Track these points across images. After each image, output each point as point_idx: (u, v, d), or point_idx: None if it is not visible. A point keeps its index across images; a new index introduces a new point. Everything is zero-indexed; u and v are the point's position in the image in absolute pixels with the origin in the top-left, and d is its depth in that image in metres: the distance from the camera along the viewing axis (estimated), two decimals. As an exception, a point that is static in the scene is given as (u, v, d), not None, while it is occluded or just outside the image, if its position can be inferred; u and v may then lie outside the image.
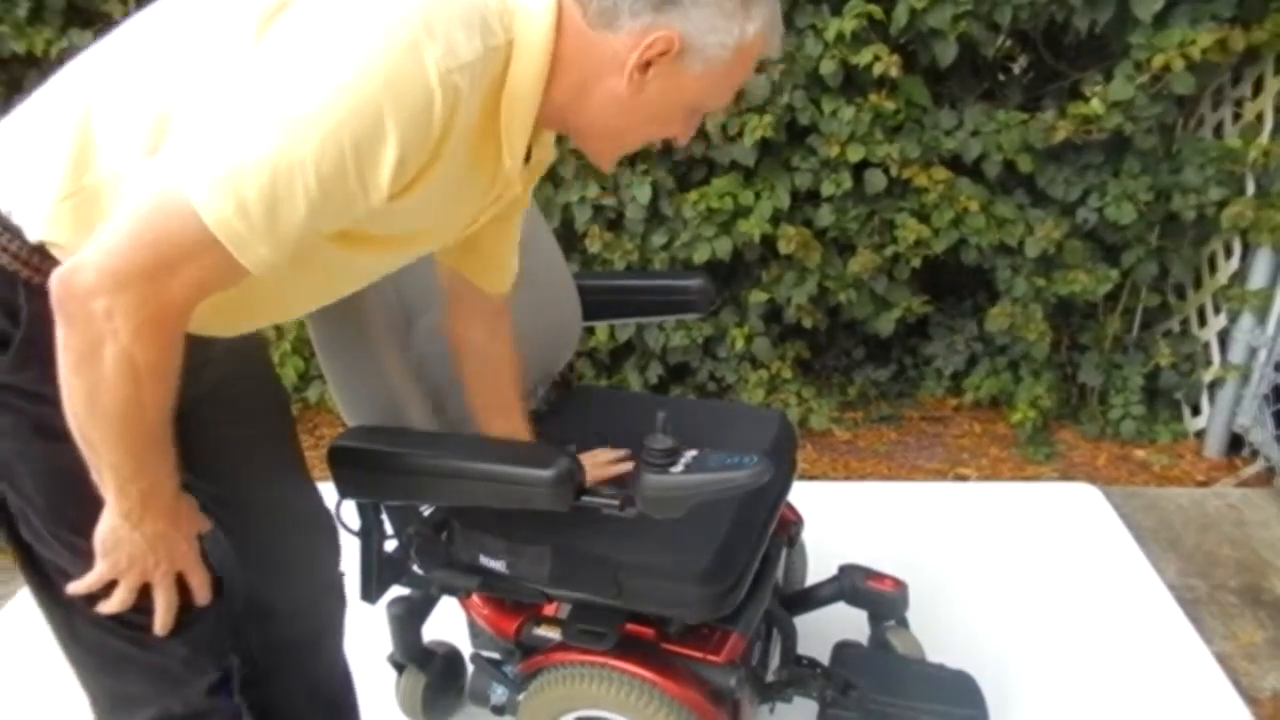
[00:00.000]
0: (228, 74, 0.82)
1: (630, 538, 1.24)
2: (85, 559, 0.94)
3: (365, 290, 1.13)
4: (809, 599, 1.68)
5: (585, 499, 1.14)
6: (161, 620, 0.98)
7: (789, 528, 1.62)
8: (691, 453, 1.09)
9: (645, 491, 1.08)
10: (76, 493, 0.90)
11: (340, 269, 1.00)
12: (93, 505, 0.90)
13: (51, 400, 0.83)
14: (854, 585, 1.64)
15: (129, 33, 0.92)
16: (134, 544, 0.92)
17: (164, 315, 0.80)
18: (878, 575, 1.65)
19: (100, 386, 0.80)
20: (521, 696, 1.42)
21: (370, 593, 1.38)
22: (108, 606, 0.96)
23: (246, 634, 1.26)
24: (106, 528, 0.92)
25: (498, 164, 0.96)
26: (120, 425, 0.83)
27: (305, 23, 0.82)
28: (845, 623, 1.67)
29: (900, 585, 1.65)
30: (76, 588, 0.95)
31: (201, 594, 1.01)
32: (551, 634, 1.38)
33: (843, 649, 1.57)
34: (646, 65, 0.91)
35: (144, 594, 0.97)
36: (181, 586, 0.99)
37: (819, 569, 1.76)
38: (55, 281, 0.79)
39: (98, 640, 1.02)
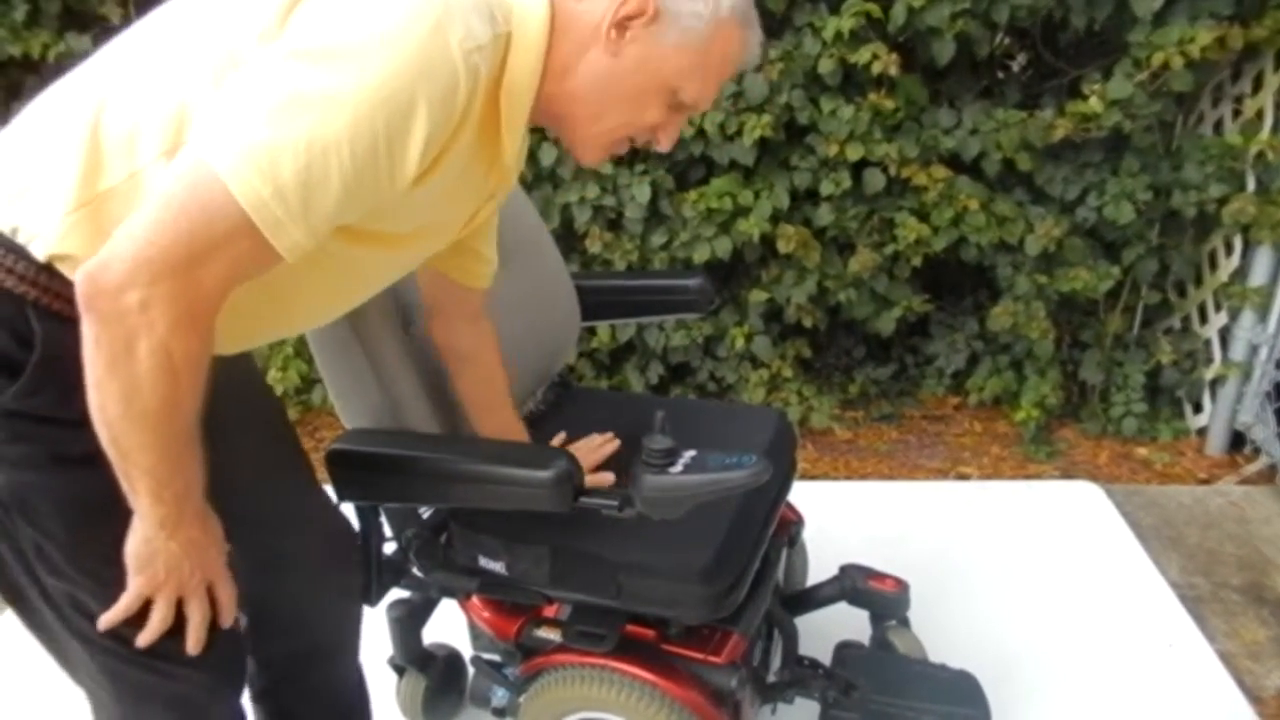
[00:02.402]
0: (251, 62, 0.81)
1: (629, 538, 1.23)
2: (112, 587, 0.90)
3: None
4: (810, 599, 1.68)
5: (584, 500, 1.13)
6: (195, 637, 0.94)
7: (789, 527, 1.62)
8: (690, 453, 1.08)
9: (644, 492, 1.07)
10: (102, 519, 0.87)
11: (347, 269, 0.98)
12: (119, 530, 0.88)
13: (68, 423, 0.80)
14: (855, 585, 1.64)
15: (135, 37, 0.90)
16: (169, 554, 0.89)
17: (199, 306, 0.79)
18: (879, 575, 1.65)
19: (137, 385, 0.77)
20: (522, 698, 1.42)
21: (370, 595, 1.38)
22: (146, 635, 0.92)
23: (262, 644, 1.25)
24: (139, 540, 0.88)
25: (494, 158, 0.96)
26: (156, 424, 0.80)
27: (329, 9, 0.81)
28: (846, 623, 1.67)
29: (901, 585, 1.65)
30: (113, 615, 0.91)
31: (228, 610, 0.97)
32: (552, 636, 1.38)
33: (844, 649, 1.57)
34: (623, 27, 0.92)
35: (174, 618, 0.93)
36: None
37: (820, 569, 1.75)
38: (82, 279, 0.75)
39: (116, 671, 0.98)
